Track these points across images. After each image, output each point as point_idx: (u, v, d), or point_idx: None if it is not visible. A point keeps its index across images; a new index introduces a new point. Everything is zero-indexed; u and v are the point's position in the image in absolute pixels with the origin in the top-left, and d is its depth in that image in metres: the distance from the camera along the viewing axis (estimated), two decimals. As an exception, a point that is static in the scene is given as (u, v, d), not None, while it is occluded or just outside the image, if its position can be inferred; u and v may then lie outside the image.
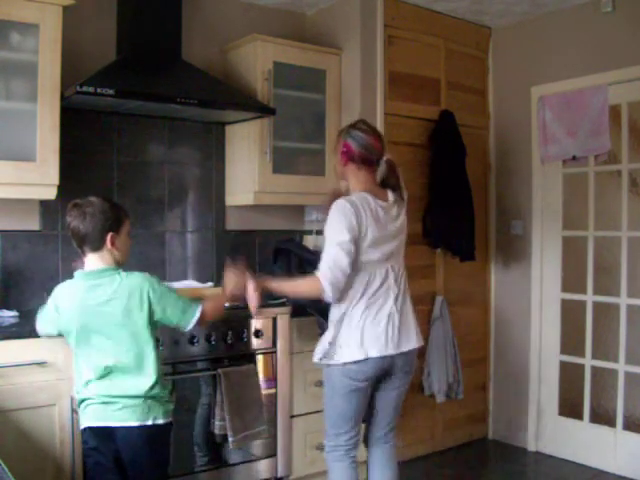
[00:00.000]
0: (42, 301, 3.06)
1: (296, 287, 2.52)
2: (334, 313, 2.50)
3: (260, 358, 3.07)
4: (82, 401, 2.20)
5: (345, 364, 2.44)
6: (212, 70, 3.46)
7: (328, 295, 2.38)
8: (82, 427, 2.23)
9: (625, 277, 3.60)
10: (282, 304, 3.19)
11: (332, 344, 2.47)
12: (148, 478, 2.22)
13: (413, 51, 3.83)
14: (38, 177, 2.75)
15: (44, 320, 2.31)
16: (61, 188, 2.82)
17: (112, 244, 2.19)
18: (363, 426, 2.66)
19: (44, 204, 3.09)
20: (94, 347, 2.17)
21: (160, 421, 2.19)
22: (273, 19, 3.81)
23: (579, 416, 3.80)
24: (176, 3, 3.27)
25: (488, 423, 4.27)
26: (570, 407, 3.87)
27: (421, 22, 3.84)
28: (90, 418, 2.19)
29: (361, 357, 2.42)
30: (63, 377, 2.54)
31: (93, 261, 2.20)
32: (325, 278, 2.35)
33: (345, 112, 3.67)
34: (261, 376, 3.04)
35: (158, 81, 3.13)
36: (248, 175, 3.45)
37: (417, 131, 3.85)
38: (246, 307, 2.53)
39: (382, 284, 2.49)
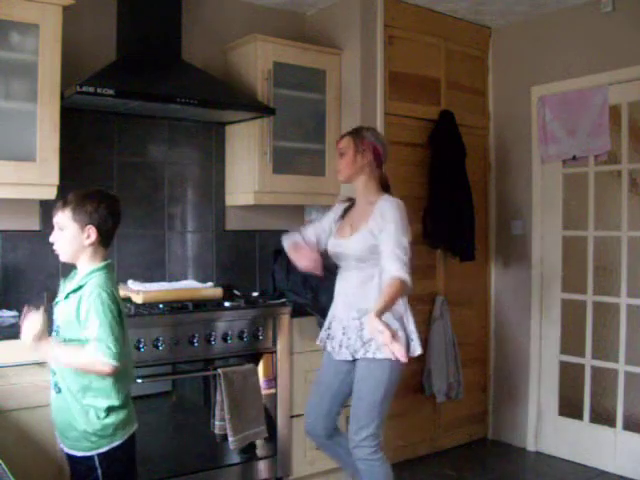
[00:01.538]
0: (42, 301, 3.10)
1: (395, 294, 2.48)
2: (399, 307, 2.61)
3: (260, 358, 3.07)
4: (125, 405, 2.09)
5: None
6: (212, 70, 3.46)
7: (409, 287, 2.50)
8: (128, 435, 2.09)
9: (625, 277, 3.60)
10: (282, 304, 3.19)
11: (408, 337, 2.63)
12: None
13: (413, 51, 3.82)
14: (38, 177, 2.75)
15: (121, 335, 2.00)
16: (61, 188, 2.82)
17: None
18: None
19: (44, 204, 3.09)
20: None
21: None
22: (273, 19, 3.81)
23: (579, 416, 3.80)
24: (176, 3, 3.27)
25: (488, 423, 4.27)
26: (570, 407, 3.87)
27: (421, 22, 3.84)
28: (135, 421, 2.13)
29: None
30: (63, 377, 2.54)
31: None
32: (406, 273, 2.47)
33: (345, 112, 3.67)
34: (261, 376, 3.04)
35: (158, 81, 3.13)
36: (248, 175, 3.45)
37: (417, 131, 3.85)
38: None
39: None
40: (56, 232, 2.09)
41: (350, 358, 2.64)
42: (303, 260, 2.69)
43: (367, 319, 2.37)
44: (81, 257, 2.08)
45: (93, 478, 2.04)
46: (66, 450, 2.10)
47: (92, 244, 2.06)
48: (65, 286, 2.15)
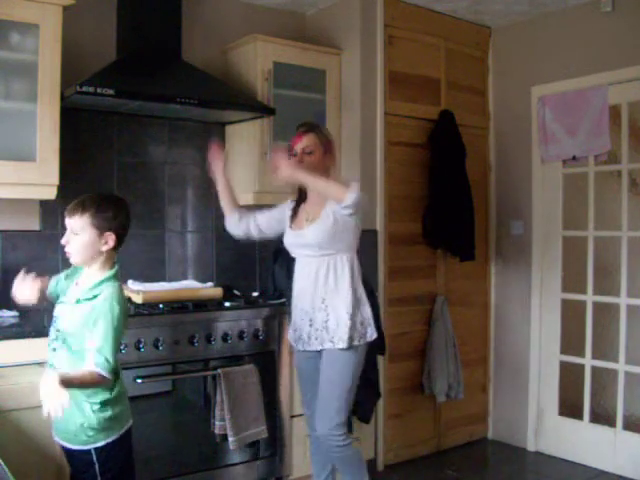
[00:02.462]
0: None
1: (327, 187, 2.57)
2: (354, 293, 2.64)
3: (260, 358, 3.07)
4: (119, 400, 2.11)
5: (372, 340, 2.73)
6: (212, 70, 3.46)
7: (348, 204, 2.49)
8: (125, 430, 2.12)
9: (625, 277, 3.60)
10: (282, 304, 3.19)
11: (364, 324, 2.67)
12: None
13: (413, 51, 3.82)
14: (38, 177, 2.75)
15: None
16: (61, 188, 2.82)
17: None
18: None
19: (44, 204, 3.09)
20: None
21: None
22: (273, 19, 3.81)
23: (579, 416, 3.80)
24: (176, 3, 3.27)
25: (488, 423, 4.27)
26: (570, 407, 3.87)
27: (421, 22, 3.84)
28: (130, 417, 2.16)
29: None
30: (63, 377, 2.54)
31: None
32: (355, 191, 2.47)
33: (345, 112, 3.67)
34: (261, 376, 3.04)
35: (158, 81, 3.13)
36: (248, 175, 3.45)
37: (417, 131, 3.85)
38: None
39: None
40: (69, 235, 2.06)
41: (319, 348, 2.66)
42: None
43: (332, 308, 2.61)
44: (94, 262, 2.07)
45: (91, 473, 2.04)
46: (62, 443, 2.10)
47: (108, 250, 2.06)
48: (69, 284, 2.14)
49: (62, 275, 2.24)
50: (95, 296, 2.01)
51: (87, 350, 1.95)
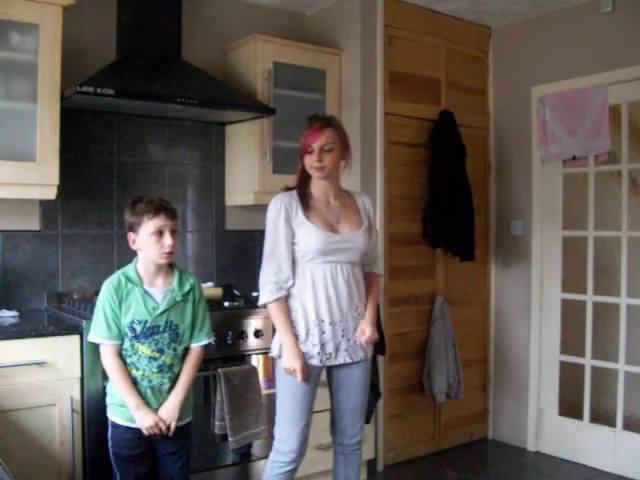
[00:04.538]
0: (42, 301, 3.10)
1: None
2: None
3: (260, 358, 3.07)
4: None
5: None
6: (212, 70, 3.47)
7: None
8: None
9: (625, 277, 3.60)
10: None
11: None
12: None
13: (413, 51, 3.83)
14: (38, 177, 2.75)
15: None
16: (61, 188, 2.83)
17: (133, 243, 2.33)
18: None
19: (44, 204, 3.09)
20: None
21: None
22: (273, 19, 3.81)
23: (579, 416, 3.80)
24: (176, 3, 3.28)
25: (488, 423, 4.27)
26: (570, 407, 3.87)
27: (421, 22, 3.84)
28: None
29: None
30: (63, 377, 2.54)
31: None
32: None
33: (345, 112, 3.67)
34: (261, 376, 3.04)
35: (158, 81, 3.13)
36: (248, 175, 3.46)
37: (417, 131, 3.85)
38: None
39: None
40: (173, 237, 2.29)
41: (349, 360, 2.49)
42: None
43: (365, 325, 2.52)
44: None
45: (186, 447, 2.43)
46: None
47: None
48: (176, 282, 2.34)
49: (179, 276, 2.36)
50: (192, 288, 2.38)
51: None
